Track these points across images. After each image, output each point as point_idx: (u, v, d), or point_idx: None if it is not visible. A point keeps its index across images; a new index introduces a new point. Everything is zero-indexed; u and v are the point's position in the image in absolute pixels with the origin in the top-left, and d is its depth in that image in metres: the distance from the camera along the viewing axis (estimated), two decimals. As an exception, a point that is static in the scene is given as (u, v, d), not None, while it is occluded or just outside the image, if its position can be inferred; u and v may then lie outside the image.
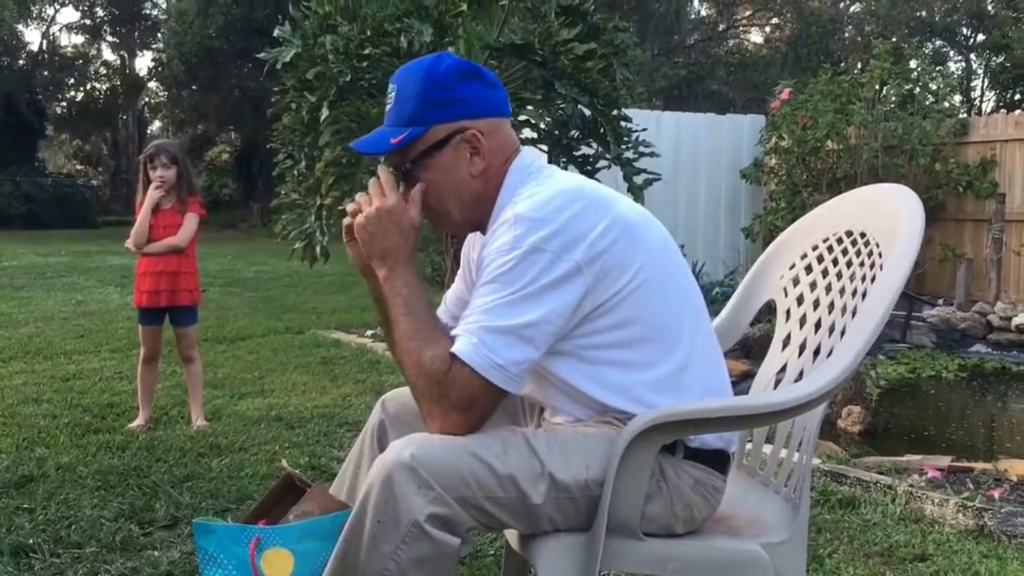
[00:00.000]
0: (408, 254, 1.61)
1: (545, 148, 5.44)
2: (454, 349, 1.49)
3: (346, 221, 1.67)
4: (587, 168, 5.37)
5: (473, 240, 1.81)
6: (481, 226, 1.66)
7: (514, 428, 1.59)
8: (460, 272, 1.87)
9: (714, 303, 5.77)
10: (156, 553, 2.60)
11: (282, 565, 1.61)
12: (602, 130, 5.18)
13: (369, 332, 6.74)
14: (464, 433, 1.49)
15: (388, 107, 1.65)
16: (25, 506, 2.97)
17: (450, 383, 1.48)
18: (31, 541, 2.65)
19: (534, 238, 1.49)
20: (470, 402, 1.48)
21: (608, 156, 5.26)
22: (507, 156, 1.65)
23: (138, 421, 4.07)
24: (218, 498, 3.07)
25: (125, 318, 7.14)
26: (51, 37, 30.48)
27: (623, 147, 5.23)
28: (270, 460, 3.50)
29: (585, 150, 5.43)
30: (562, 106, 5.30)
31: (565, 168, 5.28)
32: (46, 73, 28.47)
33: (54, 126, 30.32)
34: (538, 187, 1.58)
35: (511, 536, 1.66)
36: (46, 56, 29.32)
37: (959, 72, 21.11)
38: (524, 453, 1.50)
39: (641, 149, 5.30)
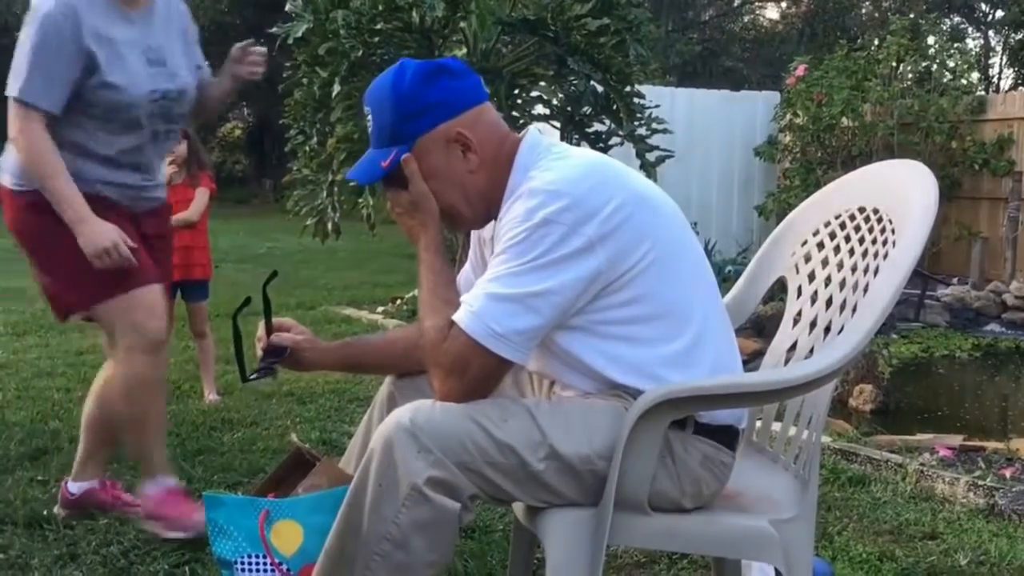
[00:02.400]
0: (426, 229, 1.62)
1: (557, 124, 5.41)
2: (454, 316, 1.50)
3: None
4: (599, 145, 5.34)
5: None
6: (493, 216, 1.66)
7: (517, 398, 1.60)
8: (471, 253, 1.87)
9: (727, 281, 5.74)
10: (168, 525, 2.62)
11: (291, 537, 1.63)
12: (615, 106, 5.15)
13: (380, 308, 6.75)
14: (461, 400, 1.50)
15: (370, 130, 1.64)
16: (39, 478, 3.00)
17: (445, 351, 1.50)
18: (45, 512, 2.68)
19: (547, 210, 1.48)
20: (464, 369, 1.49)
21: (621, 133, 5.22)
22: (500, 140, 1.64)
23: (151, 395, 4.09)
24: (230, 472, 3.09)
25: (138, 293, 7.16)
26: (64, 12, 30.44)
27: (636, 124, 5.20)
28: (282, 435, 3.52)
29: (598, 127, 5.40)
30: (575, 82, 5.26)
31: (578, 144, 5.26)
32: (59, 49, 28.44)
33: (68, 102, 30.33)
34: (552, 163, 1.58)
35: (519, 510, 1.67)
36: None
37: (977, 49, 20.88)
38: (525, 422, 1.51)
39: (654, 126, 5.26)
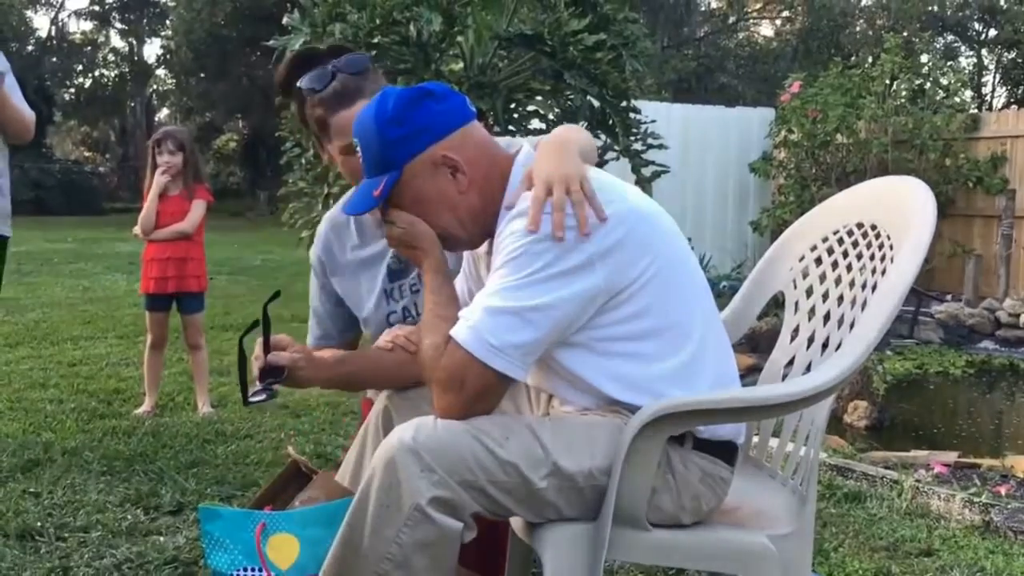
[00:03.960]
0: (426, 253, 1.62)
1: (553, 139, 5.41)
2: (451, 332, 1.50)
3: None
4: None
5: None
6: (490, 233, 1.65)
7: (518, 415, 1.59)
8: (464, 263, 1.86)
9: (721, 296, 5.76)
10: (161, 539, 2.61)
11: (288, 550, 1.62)
12: (611, 121, 5.16)
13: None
14: (460, 416, 1.49)
15: (361, 162, 1.64)
16: (31, 490, 2.98)
17: (442, 367, 1.49)
18: (37, 525, 2.66)
19: (547, 225, 1.48)
20: (461, 383, 1.48)
21: (616, 147, 5.23)
22: (491, 158, 1.63)
23: (144, 407, 4.08)
24: (223, 484, 3.08)
25: (131, 304, 7.15)
26: (60, 23, 30.56)
27: (632, 139, 5.20)
28: (276, 447, 3.51)
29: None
30: (571, 97, 5.26)
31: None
32: (54, 59, 28.54)
33: (62, 112, 30.37)
34: None
35: (517, 524, 1.66)
36: (54, 42, 29.39)
37: (970, 67, 21.00)
38: (527, 440, 1.50)
39: (650, 141, 5.27)
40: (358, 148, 1.64)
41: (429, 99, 1.59)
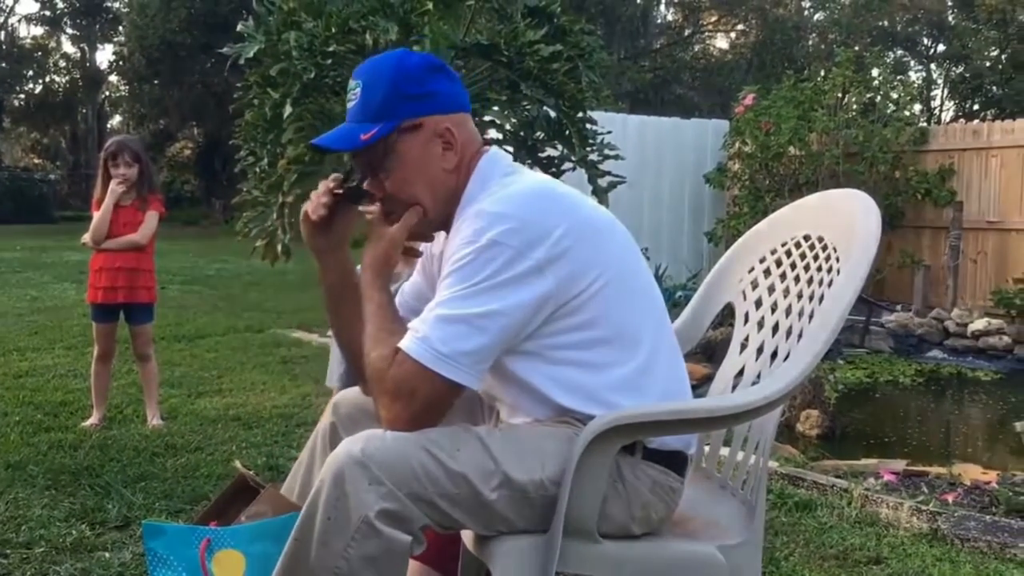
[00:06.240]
0: (387, 268, 1.61)
1: (511, 149, 5.42)
2: (400, 343, 1.49)
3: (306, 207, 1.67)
4: (552, 170, 5.34)
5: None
6: (449, 223, 1.65)
7: (468, 426, 1.59)
8: (419, 265, 1.85)
9: (677, 306, 5.79)
10: (107, 554, 2.55)
11: (233, 567, 1.59)
12: (567, 132, 5.16)
13: (330, 332, 6.68)
14: (410, 427, 1.48)
15: (351, 104, 1.61)
16: (-28, 506, 2.90)
17: (391, 377, 1.48)
18: (-23, 542, 2.59)
19: (494, 233, 1.48)
20: (411, 394, 1.47)
21: (573, 158, 5.24)
22: (474, 150, 1.65)
23: (92, 420, 4.00)
24: (172, 498, 3.02)
25: (80, 315, 7.01)
26: (9, 28, 29.98)
27: (588, 149, 5.21)
28: (226, 460, 3.45)
29: (550, 152, 5.42)
30: (528, 107, 5.27)
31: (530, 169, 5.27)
32: (4, 65, 27.99)
33: (11, 119, 29.84)
34: (506, 183, 1.58)
35: (468, 538, 1.64)
36: (4, 47, 28.81)
37: (919, 81, 21.43)
38: (477, 451, 1.49)
39: (606, 152, 5.28)
40: (356, 89, 1.60)
41: (445, 74, 1.62)
